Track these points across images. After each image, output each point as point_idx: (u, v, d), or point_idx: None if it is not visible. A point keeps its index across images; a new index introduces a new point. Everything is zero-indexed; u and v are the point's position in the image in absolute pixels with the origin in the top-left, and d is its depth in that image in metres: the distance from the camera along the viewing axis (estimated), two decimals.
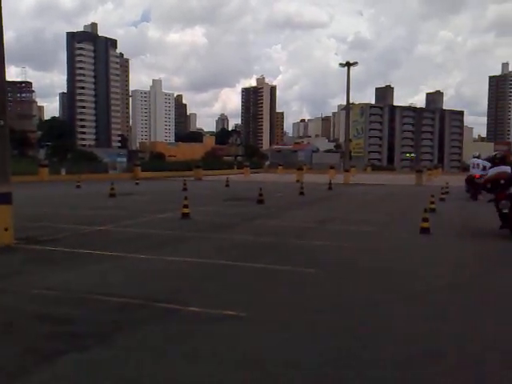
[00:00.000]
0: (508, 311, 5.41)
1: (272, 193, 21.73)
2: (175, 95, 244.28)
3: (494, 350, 4.19)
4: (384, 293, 6.00)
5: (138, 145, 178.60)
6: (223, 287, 6.21)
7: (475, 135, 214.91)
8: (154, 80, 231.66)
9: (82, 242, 9.48)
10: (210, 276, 6.85)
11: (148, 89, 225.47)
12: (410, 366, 3.84)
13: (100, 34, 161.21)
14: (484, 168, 19.00)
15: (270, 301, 5.60)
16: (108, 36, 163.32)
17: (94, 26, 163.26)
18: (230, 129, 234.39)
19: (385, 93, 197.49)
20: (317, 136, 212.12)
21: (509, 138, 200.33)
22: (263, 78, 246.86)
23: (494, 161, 11.98)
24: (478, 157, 22.01)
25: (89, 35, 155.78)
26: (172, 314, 5.08)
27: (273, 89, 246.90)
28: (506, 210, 10.52)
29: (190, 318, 4.92)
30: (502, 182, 10.73)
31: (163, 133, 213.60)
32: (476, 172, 20.67)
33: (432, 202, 14.76)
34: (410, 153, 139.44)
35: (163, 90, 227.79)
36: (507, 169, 11.22)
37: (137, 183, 29.03)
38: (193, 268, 7.30)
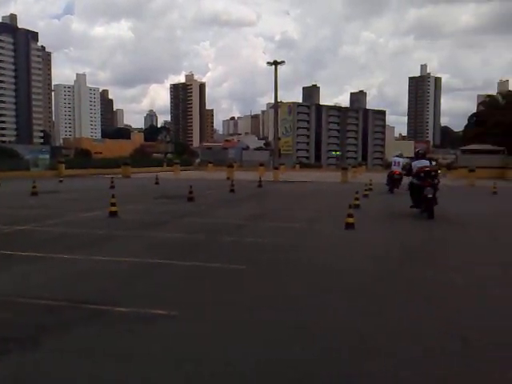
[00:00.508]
0: (420, 301, 5.77)
1: (202, 190, 21.67)
2: (101, 90, 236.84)
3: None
4: (315, 288, 6.19)
5: (61, 141, 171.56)
6: (153, 286, 6.15)
7: (396, 134, 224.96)
8: (78, 74, 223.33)
9: (2, 242, 9.02)
10: (140, 275, 6.76)
11: (72, 83, 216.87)
12: (341, 362, 4.02)
13: (20, 25, 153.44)
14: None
15: (201, 299, 5.61)
16: (29, 28, 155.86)
17: (13, 17, 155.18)
18: (159, 125, 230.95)
19: (311, 92, 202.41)
20: (247, 134, 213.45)
21: (427, 137, 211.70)
22: (192, 74, 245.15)
23: (417, 156, 14.49)
24: (400, 155, 23.92)
25: (8, 27, 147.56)
26: (100, 314, 4.97)
27: (202, 86, 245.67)
28: (430, 195, 12.97)
29: (120, 319, 4.84)
30: (423, 173, 13.33)
31: (89, 129, 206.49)
32: (396, 169, 22.40)
33: (356, 199, 15.35)
34: (336, 151, 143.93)
35: (88, 85, 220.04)
36: (427, 162, 13.83)
37: (61, 181, 27.89)
38: (121, 267, 7.17)
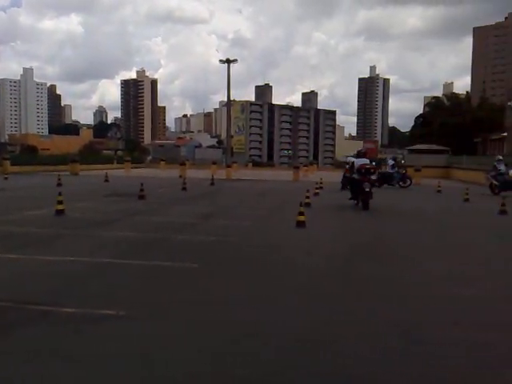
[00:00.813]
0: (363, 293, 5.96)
1: (154, 188, 21.40)
2: (48, 85, 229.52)
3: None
4: (267, 286, 6.26)
5: (6, 137, 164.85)
6: (101, 286, 6.04)
7: (346, 134, 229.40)
8: (24, 68, 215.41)
9: None
10: (87, 275, 6.62)
11: (18, 78, 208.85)
12: (293, 360, 4.10)
13: None
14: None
15: (151, 298, 5.55)
16: None
17: None
18: (109, 122, 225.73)
19: (264, 91, 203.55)
20: (199, 131, 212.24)
21: (376, 137, 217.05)
22: (143, 70, 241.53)
23: (359, 155, 17.02)
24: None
25: None
26: (47, 315, 4.84)
27: (154, 82, 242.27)
28: (367, 189, 15.11)
29: (67, 319, 4.73)
30: (363, 170, 15.45)
31: (35, 125, 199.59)
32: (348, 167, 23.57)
33: (307, 197, 15.60)
34: (288, 149, 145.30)
35: (35, 79, 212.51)
36: (366, 161, 16.15)
37: (6, 178, 26.84)
38: (70, 267, 6.99)
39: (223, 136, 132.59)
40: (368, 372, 3.73)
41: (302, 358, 3.94)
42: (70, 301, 5.29)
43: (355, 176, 15.75)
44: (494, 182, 22.72)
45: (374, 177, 15.80)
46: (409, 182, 27.76)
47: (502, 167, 22.65)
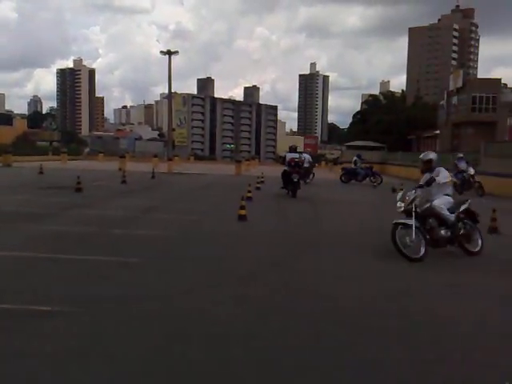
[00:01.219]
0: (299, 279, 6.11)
1: (92, 181, 20.80)
2: None
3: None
4: (210, 278, 6.26)
5: None
6: (36, 282, 5.82)
7: (288, 129, 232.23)
8: None
9: None
10: (21, 270, 6.36)
11: None
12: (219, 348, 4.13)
13: None
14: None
15: (88, 293, 5.41)
16: None
17: None
18: (44, 112, 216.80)
19: (206, 84, 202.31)
20: (140, 124, 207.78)
21: (316, 133, 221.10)
22: (81, 59, 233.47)
23: (291, 149, 19.53)
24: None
25: None
26: None
27: (92, 72, 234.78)
28: (295, 180, 17.59)
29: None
30: (293, 163, 18.09)
31: None
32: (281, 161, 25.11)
33: (249, 191, 15.70)
34: (231, 144, 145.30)
35: None
36: (296, 155, 19.00)
37: None
38: (2, 262, 6.69)
39: (164, 129, 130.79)
40: None
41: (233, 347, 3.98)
42: (4, 297, 5.09)
43: (286, 168, 18.10)
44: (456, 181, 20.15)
45: (301, 169, 18.34)
46: (380, 179, 26.78)
47: (463, 165, 21.56)
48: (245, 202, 11.69)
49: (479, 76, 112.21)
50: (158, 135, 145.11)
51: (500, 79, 55.03)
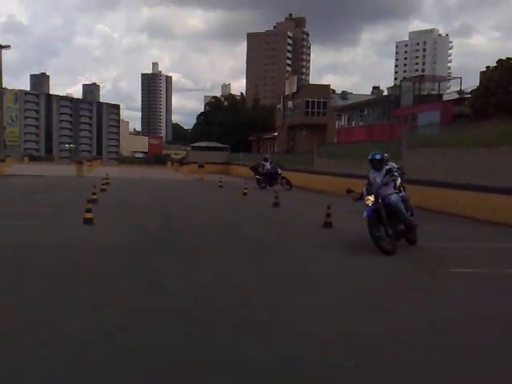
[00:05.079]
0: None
1: None
2: None
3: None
4: (51, 286, 6.27)
5: None
6: None
7: (131, 129, 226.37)
8: None
9: None
10: None
11: None
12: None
13: None
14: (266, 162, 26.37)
15: None
16: None
17: None
18: None
19: (41, 80, 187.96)
20: None
21: (160, 133, 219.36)
22: None
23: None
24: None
25: None
26: None
27: None
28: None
29: None
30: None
31: None
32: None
33: (94, 193, 15.38)
34: (70, 143, 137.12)
35: None
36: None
37: None
38: None
39: None
40: None
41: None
42: None
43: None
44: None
45: None
46: (288, 186, 24.81)
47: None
48: (91, 204, 11.51)
49: (311, 82, 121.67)
50: None
51: (329, 85, 60.71)
